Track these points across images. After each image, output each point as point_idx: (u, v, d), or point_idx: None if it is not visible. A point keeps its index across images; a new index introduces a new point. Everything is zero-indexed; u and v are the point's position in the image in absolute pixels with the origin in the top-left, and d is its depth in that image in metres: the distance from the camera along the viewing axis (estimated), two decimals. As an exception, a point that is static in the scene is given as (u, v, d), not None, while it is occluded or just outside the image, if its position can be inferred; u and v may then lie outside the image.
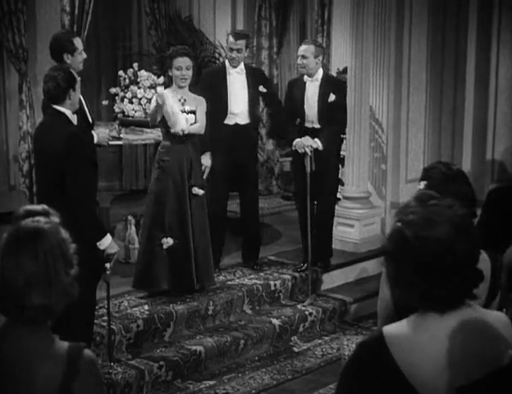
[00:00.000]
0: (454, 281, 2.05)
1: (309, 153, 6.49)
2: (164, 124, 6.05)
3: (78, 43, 5.68)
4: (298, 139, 6.55)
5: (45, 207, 2.19)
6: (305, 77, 6.67)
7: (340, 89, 6.86)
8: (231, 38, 6.60)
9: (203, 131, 6.17)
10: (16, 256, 2.07)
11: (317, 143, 6.51)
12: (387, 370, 2.08)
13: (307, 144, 6.50)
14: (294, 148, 6.61)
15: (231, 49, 6.59)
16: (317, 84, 6.62)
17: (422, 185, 3.13)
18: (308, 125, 6.68)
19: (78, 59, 5.58)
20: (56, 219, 2.16)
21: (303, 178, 6.60)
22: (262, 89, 6.71)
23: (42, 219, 2.13)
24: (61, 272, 2.09)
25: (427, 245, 2.04)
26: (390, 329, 2.15)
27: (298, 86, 6.73)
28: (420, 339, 2.08)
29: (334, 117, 6.62)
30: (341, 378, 2.19)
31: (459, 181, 3.09)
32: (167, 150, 6.06)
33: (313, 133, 6.60)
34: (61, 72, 4.85)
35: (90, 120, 5.56)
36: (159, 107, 5.91)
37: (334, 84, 6.80)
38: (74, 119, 4.91)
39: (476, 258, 2.09)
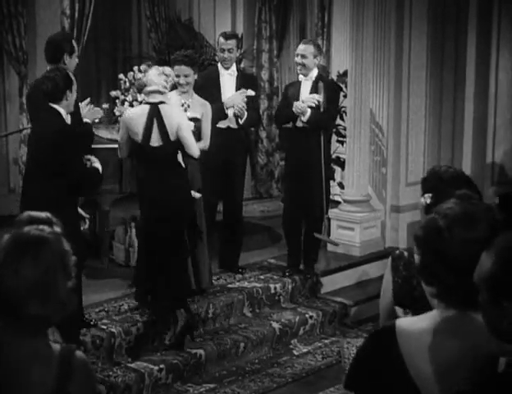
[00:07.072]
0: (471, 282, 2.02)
1: (316, 103, 6.46)
2: None
3: (75, 45, 5.71)
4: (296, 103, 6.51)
5: (49, 215, 2.16)
6: (300, 77, 6.70)
7: (332, 88, 6.87)
8: (222, 39, 6.63)
9: (207, 147, 6.00)
10: (18, 263, 2.03)
11: (315, 96, 6.50)
12: (393, 363, 2.09)
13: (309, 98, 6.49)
14: (296, 109, 6.49)
15: (223, 50, 6.61)
16: (311, 82, 6.65)
17: (428, 198, 3.06)
18: (299, 124, 6.63)
19: (75, 61, 5.57)
20: (58, 229, 2.13)
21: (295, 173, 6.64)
22: (250, 92, 6.58)
23: (46, 228, 2.10)
24: (60, 283, 2.08)
25: (460, 239, 2.03)
26: (403, 323, 2.16)
27: (294, 86, 6.82)
28: (427, 339, 2.08)
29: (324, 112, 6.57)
30: (352, 364, 2.21)
31: (457, 183, 3.01)
32: None
33: (304, 133, 6.57)
34: (59, 73, 4.91)
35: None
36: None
37: (326, 83, 6.78)
38: (67, 119, 4.97)
39: None
